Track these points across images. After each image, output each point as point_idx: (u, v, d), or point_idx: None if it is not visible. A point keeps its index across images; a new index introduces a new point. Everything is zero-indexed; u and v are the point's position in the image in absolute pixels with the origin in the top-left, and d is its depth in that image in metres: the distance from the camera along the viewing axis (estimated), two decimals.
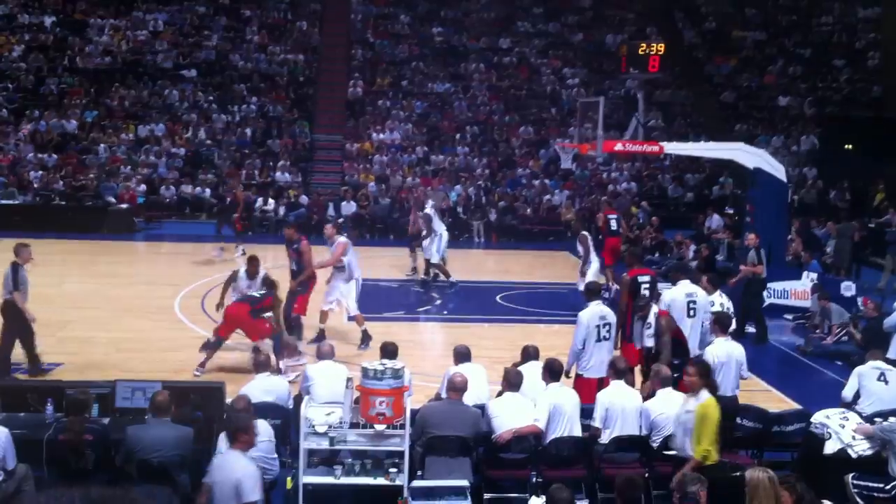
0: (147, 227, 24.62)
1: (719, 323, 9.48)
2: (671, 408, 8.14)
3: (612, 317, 9.96)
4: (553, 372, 8.57)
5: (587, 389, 9.28)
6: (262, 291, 12.26)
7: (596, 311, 9.89)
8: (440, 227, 17.72)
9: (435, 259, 17.58)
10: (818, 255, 17.64)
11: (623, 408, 8.38)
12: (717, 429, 7.38)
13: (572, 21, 35.60)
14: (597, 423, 8.40)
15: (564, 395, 8.40)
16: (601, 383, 9.38)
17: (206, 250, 21.48)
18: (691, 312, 10.31)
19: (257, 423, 7.77)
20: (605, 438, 8.34)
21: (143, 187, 25.97)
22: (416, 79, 32.11)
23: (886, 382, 9.07)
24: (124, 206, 24.57)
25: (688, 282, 10.69)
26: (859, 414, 8.61)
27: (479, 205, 25.65)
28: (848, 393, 9.18)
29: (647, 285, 10.72)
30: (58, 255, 19.34)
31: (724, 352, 9.09)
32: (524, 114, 31.06)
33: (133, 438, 7.25)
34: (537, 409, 8.31)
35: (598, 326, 9.77)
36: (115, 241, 22.11)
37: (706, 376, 7.70)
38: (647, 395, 8.73)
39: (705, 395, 7.46)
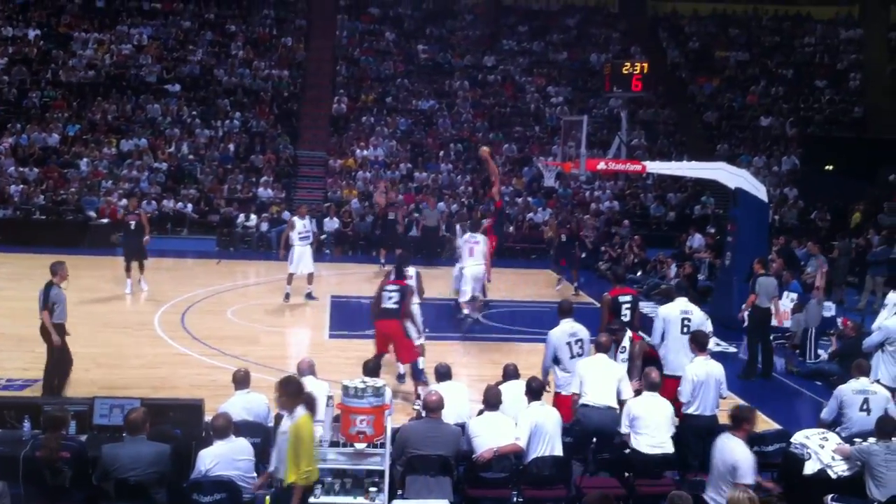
0: None
1: (697, 341, 9.48)
2: (652, 411, 8.47)
3: (584, 333, 10.09)
4: (533, 391, 8.58)
5: (565, 407, 9.42)
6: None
7: (566, 329, 10.07)
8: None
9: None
10: (798, 274, 17.71)
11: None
12: (311, 446, 7.00)
13: (557, 40, 35.84)
14: (574, 389, 9.10)
15: (546, 414, 8.39)
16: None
17: (188, 266, 21.48)
18: (685, 329, 10.40)
19: (236, 441, 7.74)
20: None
21: (124, 202, 25.78)
22: (401, 95, 32.19)
23: (868, 412, 8.95)
24: (105, 220, 24.44)
25: (685, 300, 10.78)
26: (838, 434, 8.64)
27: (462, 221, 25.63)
28: (826, 416, 9.18)
29: (629, 305, 10.88)
30: (38, 269, 19.12)
31: (704, 371, 9.10)
32: (508, 131, 31.18)
33: (109, 457, 7.17)
34: (518, 427, 8.30)
35: (569, 343, 9.96)
36: (96, 256, 21.96)
37: (296, 395, 7.18)
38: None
39: (300, 412, 7.00)
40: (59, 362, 11.08)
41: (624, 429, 8.64)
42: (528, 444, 8.24)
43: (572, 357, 9.91)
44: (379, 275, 17.87)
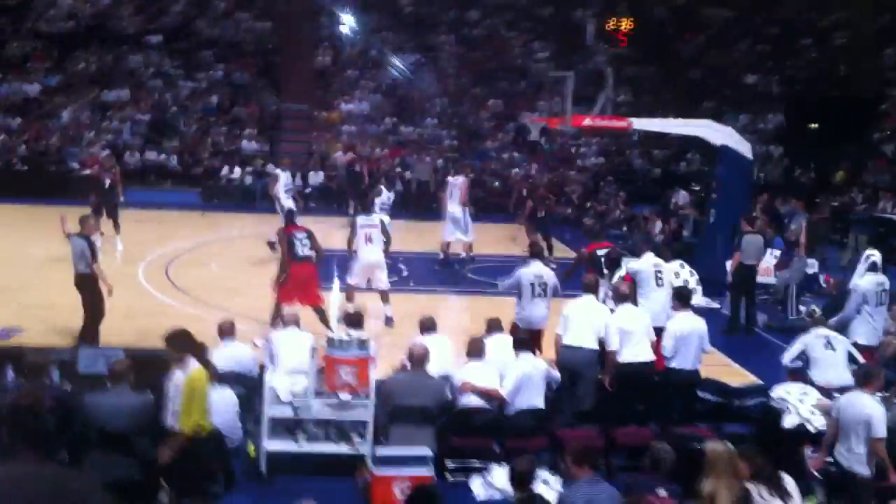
0: None
1: (680, 297, 9.57)
2: (631, 321, 9.10)
3: (549, 278, 10.50)
4: (520, 342, 8.67)
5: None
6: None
7: (533, 270, 10.48)
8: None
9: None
10: (781, 231, 17.80)
11: (581, 316, 9.18)
12: (205, 398, 6.93)
13: None
14: (558, 330, 9.30)
15: (533, 366, 8.49)
16: (538, 336, 10.18)
17: (172, 218, 21.33)
18: (659, 282, 10.50)
19: (221, 392, 7.77)
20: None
21: (106, 153, 25.57)
22: (385, 50, 31.87)
23: (833, 349, 9.23)
24: (88, 171, 24.21)
25: (651, 254, 10.97)
26: (813, 384, 8.75)
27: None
28: (787, 359, 9.30)
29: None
30: (21, 219, 19.09)
31: (686, 326, 9.17)
32: (493, 87, 30.97)
33: (91, 406, 7.10)
34: (506, 378, 8.40)
35: (532, 284, 10.32)
36: (79, 207, 21.71)
37: (185, 349, 7.05)
38: None
39: (193, 365, 6.90)
40: (98, 313, 11.08)
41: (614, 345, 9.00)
42: (514, 394, 8.33)
43: (533, 297, 10.30)
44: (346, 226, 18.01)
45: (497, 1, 34.60)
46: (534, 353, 10.15)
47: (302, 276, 11.63)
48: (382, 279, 12.97)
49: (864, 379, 7.52)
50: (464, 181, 17.57)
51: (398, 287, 15.75)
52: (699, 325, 9.25)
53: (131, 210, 22.33)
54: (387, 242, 13.15)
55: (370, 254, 12.77)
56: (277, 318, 11.24)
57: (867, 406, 7.20)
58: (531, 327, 10.21)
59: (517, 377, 8.38)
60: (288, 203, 17.31)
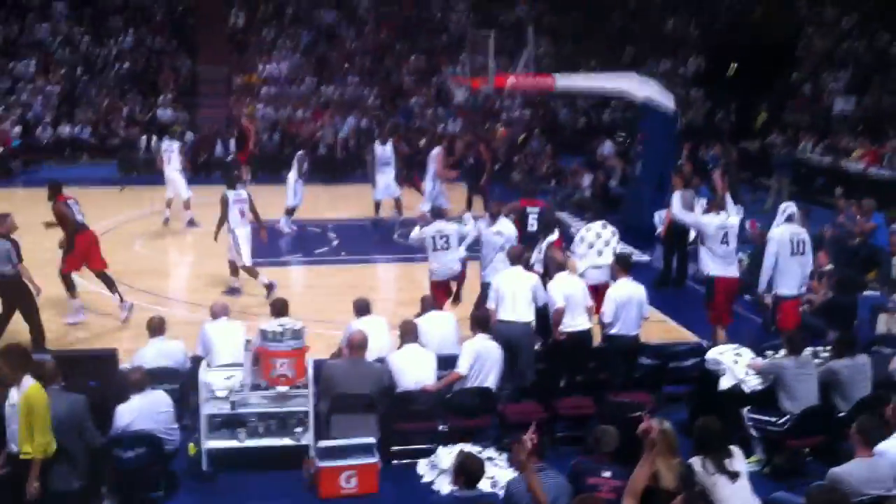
0: (25, 172, 23.40)
1: (620, 263, 9.61)
2: (569, 289, 9.21)
3: (450, 230, 11.01)
4: (479, 322, 8.72)
5: (435, 290, 10.87)
6: None
7: (435, 226, 11.03)
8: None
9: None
10: (707, 180, 17.99)
11: (514, 288, 9.22)
12: (46, 416, 6.41)
13: None
14: (491, 304, 9.28)
15: (488, 348, 8.49)
16: (446, 285, 11.08)
17: (92, 195, 20.61)
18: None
19: (153, 394, 7.56)
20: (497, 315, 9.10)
21: (17, 129, 24.66)
22: (301, 7, 31.16)
23: (728, 244, 10.26)
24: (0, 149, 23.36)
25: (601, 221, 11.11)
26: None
27: (371, 137, 25.23)
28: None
29: (536, 216, 11.65)
30: None
31: (626, 292, 9.22)
32: (414, 42, 30.56)
33: None
34: (461, 357, 8.42)
35: (433, 237, 10.91)
36: None
37: (21, 366, 6.49)
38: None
39: (28, 382, 6.40)
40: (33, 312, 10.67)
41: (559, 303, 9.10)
42: (469, 373, 8.36)
43: (435, 249, 10.91)
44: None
45: None
46: (455, 299, 10.99)
47: (85, 243, 11.78)
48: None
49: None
50: (439, 152, 17.40)
51: (327, 258, 15.60)
52: (639, 291, 9.31)
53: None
54: (257, 217, 13.02)
55: (244, 228, 12.80)
56: (72, 291, 11.75)
57: None
58: (443, 278, 11.01)
59: (471, 357, 8.36)
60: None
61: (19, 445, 6.40)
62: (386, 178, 17.43)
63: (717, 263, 10.35)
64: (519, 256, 9.81)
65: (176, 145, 18.04)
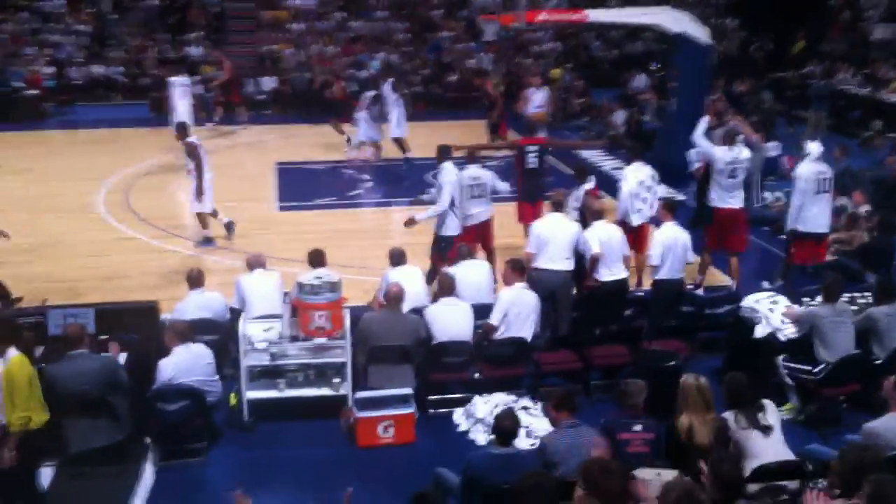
0: (59, 113, 23.50)
1: (668, 207, 9.64)
2: (607, 237, 9.24)
3: (485, 177, 10.77)
4: (515, 268, 8.66)
5: (468, 236, 10.52)
6: None
7: (468, 174, 10.71)
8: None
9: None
10: (743, 116, 17.70)
11: (555, 235, 9.19)
12: (28, 389, 6.46)
13: None
14: (531, 250, 9.26)
15: (522, 297, 8.45)
16: (480, 229, 10.76)
17: (126, 136, 20.74)
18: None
19: (195, 348, 7.70)
20: (536, 263, 9.11)
21: (49, 70, 24.72)
22: None
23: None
24: (32, 91, 23.44)
25: (640, 163, 11.06)
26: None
27: (402, 73, 25.02)
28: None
29: (535, 153, 11.86)
30: None
31: (672, 236, 9.26)
32: None
33: (50, 377, 6.95)
34: (495, 308, 8.41)
35: (470, 186, 10.63)
36: (26, 132, 21.18)
37: (5, 338, 6.57)
38: None
39: (11, 353, 6.45)
40: None
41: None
42: (502, 323, 8.38)
43: (472, 197, 10.64)
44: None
45: None
46: (489, 251, 10.82)
47: None
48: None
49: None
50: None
51: (358, 201, 15.56)
52: (682, 235, 9.35)
53: (82, 130, 21.92)
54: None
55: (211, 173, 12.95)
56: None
57: None
58: (476, 223, 10.73)
59: (503, 308, 8.37)
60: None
61: (5, 416, 6.44)
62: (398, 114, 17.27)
63: (719, 194, 10.73)
64: (560, 202, 9.78)
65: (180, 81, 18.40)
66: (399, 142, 17.23)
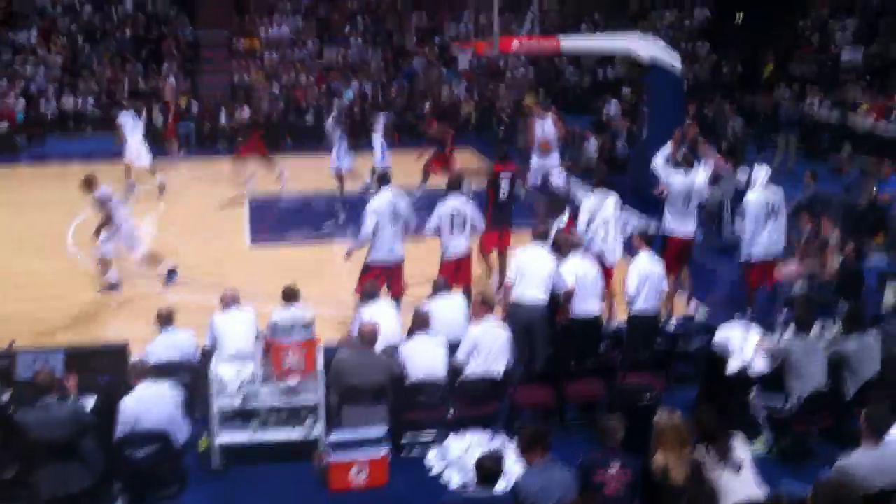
0: (30, 147, 23.38)
1: (643, 237, 9.69)
2: (583, 272, 9.24)
3: (467, 209, 10.74)
4: (484, 303, 8.66)
5: (447, 270, 10.56)
6: None
7: (451, 203, 10.71)
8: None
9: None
10: (713, 140, 17.83)
11: (533, 267, 9.21)
12: None
13: None
14: (510, 278, 9.32)
15: (489, 333, 8.43)
16: (458, 264, 10.73)
17: (98, 169, 20.50)
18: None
19: (159, 385, 7.56)
20: (513, 296, 9.19)
21: (21, 102, 24.56)
22: None
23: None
24: (4, 124, 23.28)
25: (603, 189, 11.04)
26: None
27: (376, 102, 25.07)
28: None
29: (508, 180, 11.92)
30: None
31: (648, 266, 9.30)
32: (416, 0, 30.19)
33: (21, 424, 6.91)
34: (461, 345, 8.40)
35: (451, 215, 10.64)
36: None
37: None
38: None
39: None
40: None
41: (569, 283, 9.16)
42: (468, 359, 8.36)
43: (452, 228, 10.64)
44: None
45: None
46: (466, 286, 10.73)
47: None
48: None
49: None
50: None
51: (335, 234, 15.41)
52: (658, 265, 9.40)
53: (54, 163, 21.74)
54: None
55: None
56: None
57: None
58: (454, 258, 10.72)
59: (472, 342, 8.36)
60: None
61: None
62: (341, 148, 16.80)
63: (674, 220, 10.97)
64: (544, 234, 9.72)
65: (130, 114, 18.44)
66: (340, 175, 16.65)
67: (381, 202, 10.42)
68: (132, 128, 18.05)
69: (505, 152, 12.74)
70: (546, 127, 16.12)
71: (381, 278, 10.17)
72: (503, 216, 11.87)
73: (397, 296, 10.46)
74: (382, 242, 10.35)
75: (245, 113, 24.01)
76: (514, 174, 12.19)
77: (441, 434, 8.20)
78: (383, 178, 10.92)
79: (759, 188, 10.67)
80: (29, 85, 25.28)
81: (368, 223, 10.28)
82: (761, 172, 10.85)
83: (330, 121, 17.45)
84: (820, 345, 8.16)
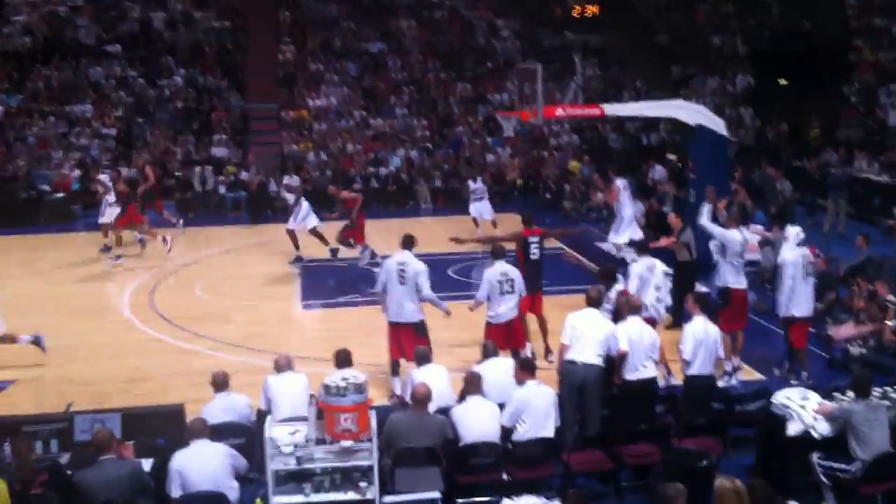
0: (85, 216, 23.92)
1: (699, 301, 9.68)
2: (639, 335, 9.21)
3: (514, 273, 11.06)
4: (526, 368, 8.67)
5: (496, 334, 10.78)
6: None
7: (498, 269, 11.04)
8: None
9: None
10: (763, 204, 17.79)
11: (589, 330, 9.28)
12: None
13: None
14: (565, 340, 9.31)
15: (536, 394, 8.42)
16: (508, 327, 10.98)
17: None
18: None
19: (212, 445, 7.61)
20: (567, 357, 9.22)
21: (76, 173, 25.23)
22: (347, 39, 31.49)
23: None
24: (60, 194, 23.90)
25: (648, 255, 11.63)
26: None
27: (422, 169, 25.39)
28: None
29: (537, 244, 12.14)
30: None
31: (703, 330, 9.28)
32: (460, 70, 30.71)
33: (80, 484, 7.01)
34: (506, 407, 8.37)
35: (500, 282, 10.93)
36: (54, 234, 21.52)
37: None
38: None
39: None
40: None
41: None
42: (517, 424, 8.31)
43: (502, 294, 10.95)
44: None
45: None
46: (517, 352, 10.73)
47: None
48: None
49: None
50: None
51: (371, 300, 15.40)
52: (713, 329, 9.38)
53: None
54: None
55: None
56: None
57: None
58: (502, 322, 10.98)
59: (515, 406, 8.34)
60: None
61: None
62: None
63: (735, 276, 11.25)
64: (597, 299, 9.82)
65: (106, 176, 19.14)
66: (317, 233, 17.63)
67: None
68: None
69: (529, 218, 12.79)
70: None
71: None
72: (534, 281, 11.91)
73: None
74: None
75: (295, 182, 24.40)
76: (541, 237, 12.32)
77: (495, 498, 8.12)
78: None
79: (794, 246, 10.85)
80: (84, 156, 25.94)
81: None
82: (793, 231, 11.03)
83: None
84: (882, 408, 8.00)
